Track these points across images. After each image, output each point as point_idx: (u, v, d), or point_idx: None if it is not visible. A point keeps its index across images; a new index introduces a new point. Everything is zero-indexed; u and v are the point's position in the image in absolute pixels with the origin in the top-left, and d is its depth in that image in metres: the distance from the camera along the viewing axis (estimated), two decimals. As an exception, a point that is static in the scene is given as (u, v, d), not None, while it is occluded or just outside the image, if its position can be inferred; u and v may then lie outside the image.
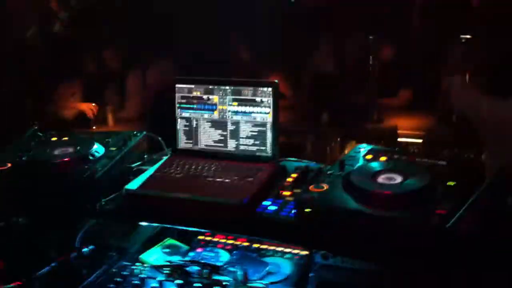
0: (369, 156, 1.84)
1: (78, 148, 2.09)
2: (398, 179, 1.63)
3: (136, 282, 1.83)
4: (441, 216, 1.44)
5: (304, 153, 4.02)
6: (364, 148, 1.93)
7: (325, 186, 1.66)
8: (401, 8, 4.73)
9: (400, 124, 4.39)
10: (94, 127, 4.43)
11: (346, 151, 4.05)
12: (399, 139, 4.27)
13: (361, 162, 1.81)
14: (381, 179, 1.65)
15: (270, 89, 1.99)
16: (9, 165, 2.05)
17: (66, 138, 2.22)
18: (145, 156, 2.21)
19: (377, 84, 4.58)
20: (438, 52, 4.30)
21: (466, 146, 3.14)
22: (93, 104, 4.52)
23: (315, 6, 5.21)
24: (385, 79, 4.55)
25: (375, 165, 1.74)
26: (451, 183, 1.59)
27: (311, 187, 1.66)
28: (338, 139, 4.22)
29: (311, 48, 4.88)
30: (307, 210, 1.60)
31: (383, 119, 4.60)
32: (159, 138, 2.26)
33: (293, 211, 1.68)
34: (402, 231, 1.48)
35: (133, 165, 2.11)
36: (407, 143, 4.23)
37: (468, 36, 3.76)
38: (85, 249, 1.98)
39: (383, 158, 1.81)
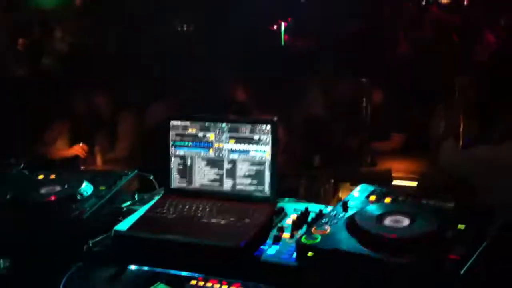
0: (372, 197, 1.76)
1: (66, 186, 1.99)
2: (406, 221, 1.55)
3: (123, 331, 1.71)
4: (454, 262, 1.35)
5: (297, 196, 3.92)
6: (366, 188, 1.85)
7: (328, 228, 1.57)
8: (394, 49, 4.76)
9: (394, 167, 4.33)
10: (82, 167, 4.32)
11: (340, 194, 3.98)
12: (393, 182, 4.20)
13: (364, 203, 1.73)
14: (387, 221, 1.56)
15: (268, 126, 1.92)
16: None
17: (53, 177, 2.13)
18: (136, 195, 2.11)
19: (370, 127, 4.54)
20: (431, 94, 4.30)
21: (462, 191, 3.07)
22: (81, 144, 4.43)
23: (306, 49, 5.24)
24: (377, 122, 4.53)
25: (380, 206, 1.66)
26: (461, 227, 1.51)
27: (313, 229, 1.57)
28: (332, 181, 4.13)
29: (301, 91, 4.87)
30: (309, 253, 1.50)
31: (377, 162, 4.54)
32: (151, 177, 2.17)
33: (294, 255, 1.58)
34: (412, 278, 1.39)
35: (123, 205, 2.02)
36: (401, 186, 4.16)
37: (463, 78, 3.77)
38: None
39: (387, 200, 1.73)
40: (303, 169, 4.54)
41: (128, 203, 2.05)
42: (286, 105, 4.84)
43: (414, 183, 4.15)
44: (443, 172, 3.06)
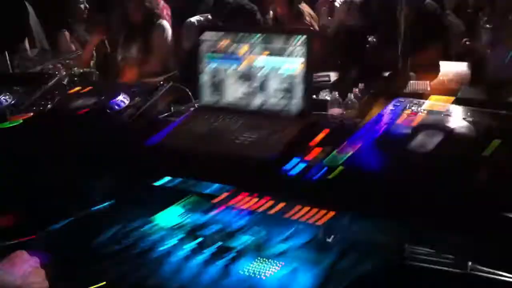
0: (407, 111, 1.71)
1: (102, 98, 2.02)
2: (439, 137, 1.51)
3: (153, 239, 1.77)
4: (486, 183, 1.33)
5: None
6: (400, 103, 1.80)
7: (359, 144, 1.55)
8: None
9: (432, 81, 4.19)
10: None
11: (376, 108, 3.90)
12: (431, 97, 4.08)
13: (398, 118, 1.68)
14: (420, 137, 1.53)
15: (304, 37, 1.85)
16: (32, 114, 2.00)
17: (90, 88, 2.15)
18: (172, 108, 2.13)
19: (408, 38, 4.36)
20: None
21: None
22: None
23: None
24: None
25: (412, 121, 1.62)
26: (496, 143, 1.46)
27: (344, 145, 1.56)
28: (366, 96, 4.06)
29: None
30: (338, 170, 1.50)
31: (415, 76, 4.41)
32: (187, 90, 2.17)
33: (322, 171, 1.59)
34: (440, 196, 1.38)
35: (159, 116, 2.03)
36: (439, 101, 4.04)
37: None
38: (105, 204, 1.93)
39: (422, 114, 1.68)
40: (338, 82, 4.46)
41: (164, 114, 2.06)
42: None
43: (451, 98, 4.04)
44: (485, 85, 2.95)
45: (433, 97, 2.04)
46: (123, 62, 4.34)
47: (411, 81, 3.86)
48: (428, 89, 3.90)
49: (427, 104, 1.79)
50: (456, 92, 3.58)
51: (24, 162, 1.90)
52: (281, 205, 1.93)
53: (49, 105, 2.03)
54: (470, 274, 1.31)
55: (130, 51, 4.36)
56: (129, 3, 4.28)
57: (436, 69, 4.21)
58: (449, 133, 1.52)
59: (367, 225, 1.68)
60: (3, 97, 2.15)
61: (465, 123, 1.57)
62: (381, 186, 1.45)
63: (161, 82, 2.14)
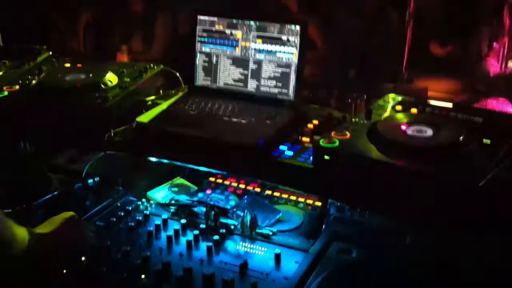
0: (398, 107, 1.71)
1: (91, 75, 1.99)
2: (429, 131, 1.50)
3: (139, 218, 1.76)
4: (473, 174, 1.31)
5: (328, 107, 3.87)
6: (394, 98, 1.80)
7: (348, 134, 1.53)
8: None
9: (430, 86, 4.19)
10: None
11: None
12: (429, 102, 4.08)
13: (389, 112, 1.68)
14: (410, 130, 1.51)
15: (298, 27, 1.84)
16: (18, 87, 1.96)
17: (79, 65, 2.12)
18: (161, 91, 2.09)
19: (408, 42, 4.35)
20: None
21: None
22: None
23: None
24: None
25: (404, 115, 1.61)
26: (487, 141, 1.45)
27: (333, 133, 1.54)
28: (365, 96, 4.04)
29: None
30: (326, 157, 1.48)
31: (413, 79, 4.41)
32: (177, 73, 2.14)
33: (311, 158, 1.56)
34: (429, 187, 1.36)
35: (148, 98, 2.00)
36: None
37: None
38: (90, 181, 1.90)
39: (413, 110, 1.67)
40: (337, 81, 4.45)
41: (153, 97, 2.03)
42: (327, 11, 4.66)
43: (450, 104, 4.03)
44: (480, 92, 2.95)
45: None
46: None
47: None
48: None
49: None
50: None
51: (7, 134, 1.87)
52: (269, 191, 1.93)
53: (35, 80, 1.99)
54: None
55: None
56: None
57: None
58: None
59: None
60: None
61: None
62: (370, 173, 1.42)
63: (151, 65, 2.11)
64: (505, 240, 1.26)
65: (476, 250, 1.35)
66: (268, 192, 1.93)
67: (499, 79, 3.20)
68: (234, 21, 1.93)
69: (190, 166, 1.87)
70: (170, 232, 1.68)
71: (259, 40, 1.90)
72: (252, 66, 1.92)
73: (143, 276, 1.48)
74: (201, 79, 2.00)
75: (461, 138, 1.44)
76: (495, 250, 1.30)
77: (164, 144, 1.78)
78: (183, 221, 1.72)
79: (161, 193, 1.92)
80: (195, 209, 1.78)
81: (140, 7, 4.50)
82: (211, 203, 1.78)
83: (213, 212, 1.73)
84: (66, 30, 4.35)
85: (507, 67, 3.61)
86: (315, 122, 1.80)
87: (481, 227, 1.28)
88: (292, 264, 1.56)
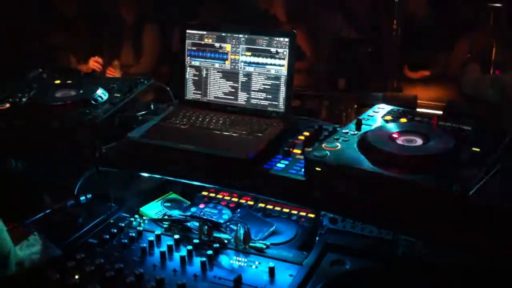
0: (388, 117, 1.72)
1: (81, 91, 1.98)
2: (419, 141, 1.51)
3: (133, 234, 1.75)
4: (463, 183, 1.32)
5: (319, 118, 3.88)
6: (383, 108, 1.81)
7: (339, 145, 1.54)
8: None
9: (420, 94, 4.22)
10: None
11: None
12: (418, 110, 4.10)
13: (379, 122, 1.69)
14: (400, 140, 1.52)
15: (287, 39, 1.85)
16: (8, 105, 1.95)
17: (69, 82, 2.12)
18: (152, 105, 2.10)
19: (399, 51, 4.39)
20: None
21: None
22: (96, 58, 4.36)
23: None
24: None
25: (394, 125, 1.62)
26: (476, 149, 1.47)
27: (323, 145, 1.54)
28: (355, 105, 4.06)
29: (333, 10, 4.70)
30: (317, 168, 1.48)
31: (402, 88, 4.43)
32: (167, 88, 2.14)
33: (302, 170, 1.57)
34: (420, 196, 1.36)
35: (138, 113, 2.00)
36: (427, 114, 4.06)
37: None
38: (82, 198, 1.90)
39: (403, 120, 1.69)
40: (326, 91, 4.46)
41: (143, 112, 2.03)
42: (315, 23, 4.69)
43: (439, 112, 4.06)
44: (467, 98, 2.98)
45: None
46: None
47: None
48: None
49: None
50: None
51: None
52: (262, 204, 1.93)
53: (25, 98, 1.99)
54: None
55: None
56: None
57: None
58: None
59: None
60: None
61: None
62: (361, 184, 1.42)
63: (141, 79, 2.11)
64: (495, 248, 1.27)
65: (468, 259, 1.36)
66: (261, 205, 1.93)
67: (485, 84, 3.22)
68: (223, 34, 1.94)
69: (183, 180, 1.87)
70: (164, 248, 1.67)
71: (248, 53, 1.91)
72: (242, 79, 1.92)
73: (137, 293, 1.48)
74: (191, 93, 2.01)
75: (451, 147, 1.45)
76: (485, 259, 1.31)
77: (156, 159, 1.78)
78: (177, 236, 1.72)
79: (154, 209, 1.92)
80: (188, 224, 1.78)
81: (130, 20, 4.53)
82: (204, 217, 1.78)
83: (206, 227, 1.72)
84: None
85: (492, 72, 3.65)
86: (306, 133, 1.81)
87: (471, 236, 1.29)
88: (286, 277, 1.55)
